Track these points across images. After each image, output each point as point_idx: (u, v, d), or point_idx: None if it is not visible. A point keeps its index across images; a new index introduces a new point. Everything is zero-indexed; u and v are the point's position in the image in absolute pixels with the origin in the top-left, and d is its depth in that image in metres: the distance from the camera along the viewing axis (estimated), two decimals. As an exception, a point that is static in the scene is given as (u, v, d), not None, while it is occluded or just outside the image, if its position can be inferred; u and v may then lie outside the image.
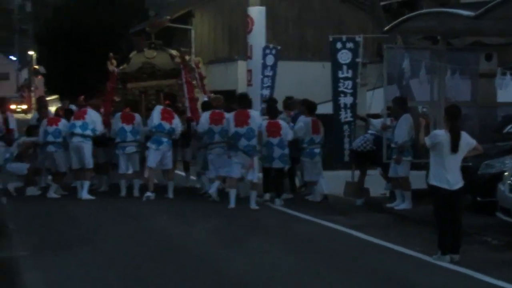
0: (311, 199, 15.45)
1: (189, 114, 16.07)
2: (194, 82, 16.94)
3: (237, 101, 15.21)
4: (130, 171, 15.88)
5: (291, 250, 10.83)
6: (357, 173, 15.54)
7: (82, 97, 16.37)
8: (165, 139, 15.23)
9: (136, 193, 15.55)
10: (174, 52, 17.21)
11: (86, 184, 15.40)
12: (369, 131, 15.35)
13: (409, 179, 14.25)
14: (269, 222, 13.21)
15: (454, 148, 9.88)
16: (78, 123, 15.37)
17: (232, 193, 14.37)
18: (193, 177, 17.25)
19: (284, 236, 11.98)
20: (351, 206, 14.71)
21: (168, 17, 34.06)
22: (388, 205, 14.36)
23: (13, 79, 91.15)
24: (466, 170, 10.61)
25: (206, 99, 16.79)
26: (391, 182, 14.58)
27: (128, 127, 15.55)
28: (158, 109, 15.39)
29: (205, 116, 15.27)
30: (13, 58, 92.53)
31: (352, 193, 15.50)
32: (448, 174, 9.89)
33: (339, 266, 9.80)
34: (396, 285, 8.80)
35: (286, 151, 14.92)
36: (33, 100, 28.14)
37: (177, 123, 15.38)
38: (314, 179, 15.43)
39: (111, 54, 17.04)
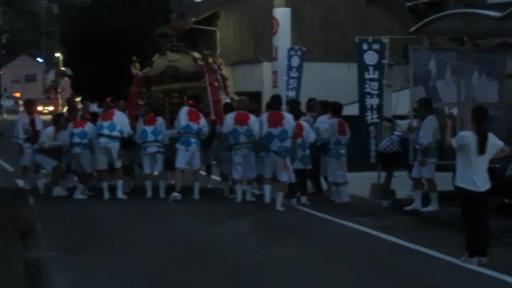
0: (337, 200, 15.42)
1: (213, 116, 16.07)
2: (217, 84, 16.95)
3: (269, 103, 15.25)
4: (155, 173, 15.91)
5: (318, 252, 10.80)
6: (383, 174, 15.49)
7: (109, 98, 16.40)
8: (193, 140, 15.28)
9: (161, 194, 15.59)
10: (197, 54, 17.23)
11: (120, 183, 15.52)
12: (395, 133, 15.30)
13: (434, 180, 14.18)
14: (294, 223, 13.19)
15: (481, 149, 9.82)
16: (106, 124, 15.45)
17: (267, 190, 14.52)
18: (215, 177, 17.30)
19: (310, 238, 11.96)
20: (377, 208, 14.65)
21: (194, 19, 34.19)
22: (406, 208, 14.25)
23: (40, 81, 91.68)
24: (493, 172, 10.53)
25: (228, 100, 16.81)
26: (413, 183, 14.50)
27: (149, 128, 15.62)
28: (185, 110, 15.42)
29: (230, 117, 15.29)
30: (40, 60, 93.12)
31: (378, 195, 15.45)
32: (475, 176, 9.82)
33: (366, 268, 9.77)
34: (423, 287, 8.75)
35: (307, 152, 14.94)
36: (60, 101, 28.17)
37: (204, 123, 15.43)
38: (339, 180, 15.40)
39: (134, 57, 17.10)
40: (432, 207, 14.06)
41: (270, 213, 13.99)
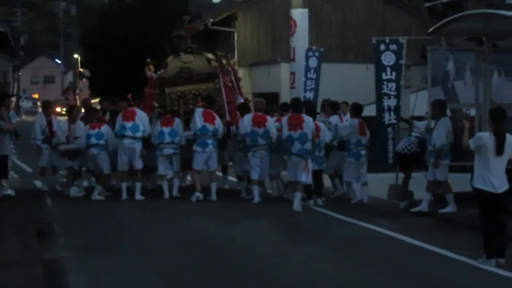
0: (354, 201, 15.42)
1: (228, 117, 16.09)
2: (230, 84, 16.97)
3: (289, 105, 15.27)
4: (170, 174, 15.95)
5: (335, 253, 10.79)
6: (401, 175, 15.45)
7: (130, 95, 16.46)
8: (210, 141, 15.33)
9: (174, 193, 15.66)
10: (210, 55, 17.25)
11: (138, 185, 15.57)
12: (413, 134, 15.26)
13: (448, 182, 14.13)
14: (312, 224, 13.17)
15: (499, 150, 9.78)
16: (128, 124, 15.50)
17: (297, 196, 14.41)
18: (231, 178, 17.32)
19: (328, 239, 11.94)
20: (394, 209, 14.62)
21: (211, 20, 34.21)
22: (413, 209, 14.21)
23: (58, 82, 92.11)
24: (511, 173, 10.47)
25: (242, 100, 16.82)
26: (427, 184, 14.44)
27: (166, 129, 15.63)
28: (199, 111, 15.43)
29: (247, 118, 15.31)
30: (58, 62, 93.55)
31: (396, 196, 15.41)
32: (493, 177, 9.78)
33: (384, 269, 9.74)
34: (440, 289, 8.74)
35: (322, 153, 15.01)
36: (78, 102, 28.43)
37: (219, 123, 15.46)
38: (353, 180, 15.42)
39: (148, 60, 17.15)
40: (450, 208, 14.00)
41: (287, 214, 13.99)
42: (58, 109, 19.51)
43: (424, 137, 14.58)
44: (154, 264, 9.90)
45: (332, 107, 16.19)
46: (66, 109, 17.00)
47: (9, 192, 15.55)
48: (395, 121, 15.81)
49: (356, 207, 14.94)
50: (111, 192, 16.02)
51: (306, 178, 14.46)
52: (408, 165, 15.04)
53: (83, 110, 17.81)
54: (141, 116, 15.69)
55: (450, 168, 16.11)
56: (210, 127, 15.30)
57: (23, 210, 13.93)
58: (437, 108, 14.12)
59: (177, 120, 15.83)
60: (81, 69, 55.95)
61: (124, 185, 15.57)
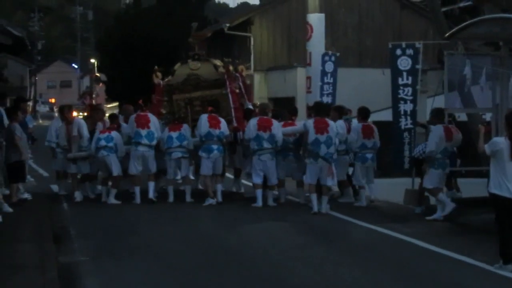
0: (357, 204, 15.44)
1: (235, 123, 16.14)
2: (238, 91, 17.00)
3: (314, 109, 15.38)
4: (178, 177, 15.97)
5: (350, 257, 10.76)
6: (416, 180, 15.40)
7: (141, 100, 16.54)
8: (215, 146, 15.40)
9: (188, 198, 15.70)
10: (218, 62, 17.30)
11: (152, 185, 15.66)
12: (429, 138, 15.23)
13: (434, 190, 14.09)
14: (327, 228, 13.16)
15: (515, 155, 9.74)
16: (143, 132, 15.56)
17: (314, 198, 14.49)
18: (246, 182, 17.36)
19: (343, 243, 11.92)
20: (410, 214, 14.57)
21: (227, 25, 34.24)
22: (428, 217, 14.08)
23: (75, 86, 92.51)
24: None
25: (250, 106, 16.86)
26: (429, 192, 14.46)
27: (174, 134, 15.68)
28: (204, 117, 15.50)
29: (253, 123, 15.35)
30: (75, 66, 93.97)
31: (411, 200, 15.37)
32: (509, 183, 9.75)
33: (399, 274, 9.72)
34: (456, 295, 8.70)
35: None
36: (95, 107, 28.76)
37: (225, 127, 15.53)
38: (362, 183, 15.40)
39: (156, 67, 17.24)
40: (436, 215, 14.02)
41: (301, 218, 13.99)
42: (75, 114, 19.58)
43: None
44: (168, 267, 9.91)
45: (338, 111, 16.14)
46: (58, 109, 17.02)
47: (26, 196, 15.62)
48: (411, 126, 15.76)
49: (372, 211, 14.91)
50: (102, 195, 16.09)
51: (332, 182, 14.65)
52: (424, 170, 14.99)
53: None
54: (155, 122, 15.78)
55: (467, 173, 16.10)
56: (215, 132, 15.38)
57: (40, 214, 13.98)
58: (434, 116, 14.40)
59: (185, 126, 15.90)
60: (97, 74, 56.19)
61: (137, 189, 15.61)
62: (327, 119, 14.74)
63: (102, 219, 13.88)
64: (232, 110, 16.36)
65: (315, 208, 14.38)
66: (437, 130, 14.12)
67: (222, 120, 15.60)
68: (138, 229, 12.87)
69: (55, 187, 17.19)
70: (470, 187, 15.53)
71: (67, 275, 9.38)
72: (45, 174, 20.93)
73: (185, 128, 15.81)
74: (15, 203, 14.31)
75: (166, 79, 17.14)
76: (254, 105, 17.29)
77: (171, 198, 15.71)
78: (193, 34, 18.29)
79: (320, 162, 14.51)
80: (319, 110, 15.07)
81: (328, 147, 14.45)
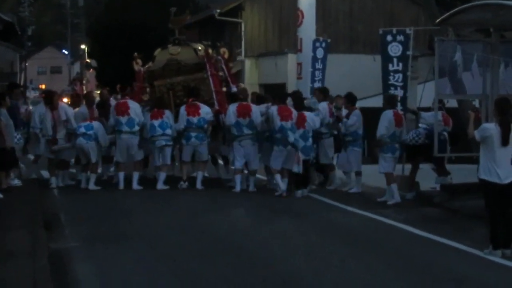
0: (352, 191, 15.50)
1: (217, 106, 16.22)
2: (221, 73, 17.00)
3: (276, 97, 15.55)
4: (159, 163, 16.05)
5: (341, 243, 10.80)
6: (407, 167, 15.44)
7: (119, 86, 16.53)
8: (193, 134, 15.57)
9: (159, 185, 15.67)
10: (198, 46, 17.27)
11: (136, 175, 15.70)
12: (420, 125, 15.26)
13: (392, 174, 14.44)
14: (317, 215, 13.17)
15: (505, 141, 9.77)
16: (123, 119, 15.59)
17: (280, 180, 14.85)
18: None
19: (334, 230, 11.96)
20: (401, 200, 14.60)
21: (218, 10, 34.15)
22: (389, 202, 14.35)
23: (66, 72, 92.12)
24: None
25: (235, 89, 16.87)
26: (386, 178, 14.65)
27: (156, 122, 15.68)
28: (182, 109, 15.69)
29: (232, 109, 15.42)
30: (66, 52, 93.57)
31: (402, 187, 15.39)
32: (498, 168, 9.77)
33: (390, 260, 9.75)
34: (447, 279, 8.72)
35: (309, 142, 14.99)
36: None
37: (205, 111, 15.62)
38: (347, 169, 15.53)
39: (135, 54, 17.21)
40: (394, 199, 14.27)
41: (290, 205, 14.03)
42: (65, 100, 19.50)
43: (432, 129, 14.57)
44: (160, 254, 9.92)
45: (322, 92, 16.18)
46: (43, 96, 16.93)
47: (16, 182, 15.58)
48: (402, 112, 15.77)
49: (363, 197, 14.94)
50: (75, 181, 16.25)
51: (298, 168, 14.68)
52: (415, 156, 15.05)
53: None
54: (134, 108, 15.76)
55: (457, 159, 16.14)
56: (193, 120, 15.53)
57: (30, 200, 13.95)
58: (385, 102, 14.74)
59: (167, 113, 15.88)
60: (88, 60, 56.01)
61: (121, 175, 15.69)
62: (290, 107, 15.01)
63: (93, 205, 13.87)
64: (214, 94, 16.39)
65: (283, 187, 14.76)
66: (386, 115, 14.39)
67: (204, 107, 15.67)
68: (130, 216, 12.86)
69: (46, 174, 17.14)
70: (460, 173, 15.57)
71: (58, 261, 9.36)
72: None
73: (167, 115, 15.80)
74: (5, 189, 14.27)
75: (147, 65, 17.11)
76: (238, 87, 17.27)
77: (160, 185, 15.70)
78: (172, 19, 18.20)
79: (289, 148, 14.71)
80: (281, 98, 15.29)
81: (294, 133, 14.65)
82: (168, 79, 16.93)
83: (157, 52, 17.37)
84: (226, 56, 17.65)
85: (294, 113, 14.88)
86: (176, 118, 15.86)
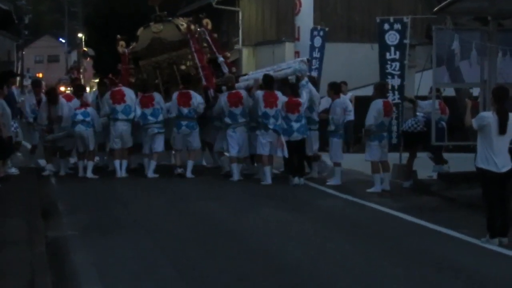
0: (329, 182, 15.30)
1: (204, 82, 16.25)
2: (206, 45, 16.96)
3: (263, 83, 15.45)
4: (147, 152, 16.09)
5: (338, 232, 10.81)
6: (404, 156, 15.44)
7: (111, 74, 16.54)
8: (184, 122, 15.68)
9: (149, 174, 15.73)
10: (180, 21, 17.21)
11: (125, 163, 15.83)
12: (418, 113, 15.27)
13: (377, 163, 14.45)
14: (315, 204, 13.18)
15: (502, 130, 9.76)
16: (119, 107, 15.64)
17: (267, 170, 15.00)
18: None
19: (331, 218, 11.97)
20: (398, 189, 14.62)
21: (213, 0, 33.98)
22: (368, 190, 14.35)
23: (63, 61, 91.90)
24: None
25: (221, 59, 16.83)
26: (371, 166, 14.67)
27: (148, 111, 15.78)
28: (174, 96, 15.76)
29: (223, 99, 15.51)
30: (63, 41, 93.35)
31: (400, 175, 15.41)
32: (496, 157, 9.77)
33: (388, 248, 9.76)
34: (444, 268, 8.73)
35: (303, 122, 15.18)
36: (82, 81, 28.54)
37: (197, 101, 15.67)
38: (338, 160, 15.43)
39: (118, 36, 17.18)
40: (374, 188, 14.30)
41: (287, 193, 14.05)
42: (62, 89, 19.45)
43: (430, 117, 14.57)
44: (158, 242, 9.93)
45: (333, 88, 16.08)
46: (46, 91, 16.86)
47: (13, 170, 15.58)
48: (399, 101, 15.78)
49: (359, 186, 14.94)
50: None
51: (281, 153, 14.89)
52: (413, 144, 15.07)
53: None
54: (130, 95, 15.84)
55: (455, 147, 16.15)
56: (184, 110, 15.62)
57: (27, 189, 13.94)
58: (377, 91, 14.70)
59: (157, 97, 15.94)
60: (85, 48, 55.80)
61: (117, 163, 15.74)
62: (276, 92, 15.05)
63: (90, 194, 13.88)
64: (200, 69, 16.37)
65: (269, 180, 14.91)
66: (376, 104, 14.41)
67: (195, 96, 15.70)
68: (127, 204, 12.89)
69: (43, 162, 17.14)
70: (457, 162, 15.58)
71: (55, 249, 9.38)
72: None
73: (158, 101, 15.85)
74: (2, 178, 14.26)
75: (131, 46, 17.06)
76: (224, 56, 17.17)
77: (150, 173, 15.77)
78: None
79: (270, 133, 14.86)
80: (267, 84, 15.23)
81: (277, 120, 14.83)
82: (153, 58, 16.90)
83: (140, 31, 17.33)
84: (209, 26, 17.52)
85: (280, 99, 14.95)
86: (165, 96, 16.00)
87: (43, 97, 16.48)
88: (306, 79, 15.62)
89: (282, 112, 14.97)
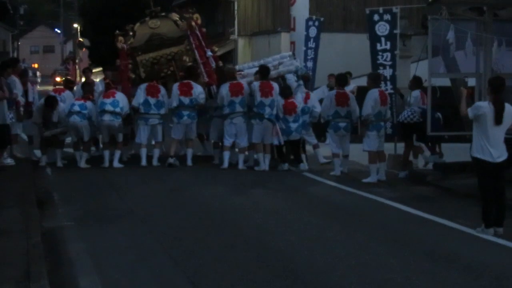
0: (331, 173, 15.31)
1: (206, 78, 16.22)
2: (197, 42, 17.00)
3: (259, 73, 15.72)
4: (152, 142, 16.21)
5: (334, 221, 10.81)
6: (399, 146, 15.47)
7: (108, 80, 16.59)
8: (185, 112, 15.71)
9: (155, 162, 15.86)
10: (177, 17, 17.21)
11: (118, 153, 15.80)
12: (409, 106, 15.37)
13: (374, 153, 14.53)
14: (310, 193, 13.21)
15: (498, 120, 9.77)
16: (108, 100, 15.62)
17: (267, 158, 15.53)
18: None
19: (326, 208, 11.97)
20: (394, 179, 14.65)
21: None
22: (364, 180, 14.42)
23: (58, 51, 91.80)
24: (510, 143, 10.46)
25: (210, 53, 16.78)
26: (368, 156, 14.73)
27: (152, 100, 15.82)
28: (175, 86, 15.76)
29: (225, 90, 15.60)
30: (58, 31, 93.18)
31: (395, 165, 15.44)
32: (491, 147, 9.79)
33: (383, 238, 9.77)
34: (439, 258, 8.75)
35: (300, 122, 15.64)
36: (78, 72, 28.47)
37: (198, 91, 15.70)
38: (336, 151, 15.40)
39: (116, 31, 17.15)
40: (370, 178, 14.35)
41: (283, 182, 14.07)
42: (57, 79, 19.34)
43: (426, 108, 14.60)
44: (153, 232, 9.92)
45: (337, 79, 16.17)
46: (45, 98, 16.68)
47: (9, 161, 15.56)
48: (392, 91, 15.81)
49: (356, 176, 14.96)
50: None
51: (277, 141, 15.25)
52: (410, 134, 15.09)
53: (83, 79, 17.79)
54: (120, 95, 15.84)
55: (450, 137, 16.19)
56: (185, 100, 15.65)
57: (23, 179, 13.94)
58: (371, 80, 14.73)
59: (162, 90, 15.97)
60: (81, 39, 55.69)
61: (107, 153, 15.78)
62: (271, 82, 15.34)
63: (86, 184, 13.87)
64: (201, 65, 16.36)
65: (263, 166, 15.34)
66: (372, 94, 14.44)
67: (197, 87, 15.72)
68: (122, 194, 12.88)
69: (38, 153, 17.13)
70: (453, 152, 15.61)
71: (51, 239, 9.39)
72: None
73: (163, 94, 15.90)
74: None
75: (129, 42, 17.03)
76: (212, 50, 17.15)
77: (143, 162, 15.82)
78: None
79: (265, 122, 15.12)
80: (263, 74, 15.50)
81: (272, 109, 15.13)
82: (151, 53, 16.88)
83: (137, 26, 17.28)
84: (199, 21, 17.49)
85: (275, 89, 15.28)
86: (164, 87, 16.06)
87: (29, 88, 16.47)
88: (300, 81, 16.14)
89: (280, 114, 15.31)
